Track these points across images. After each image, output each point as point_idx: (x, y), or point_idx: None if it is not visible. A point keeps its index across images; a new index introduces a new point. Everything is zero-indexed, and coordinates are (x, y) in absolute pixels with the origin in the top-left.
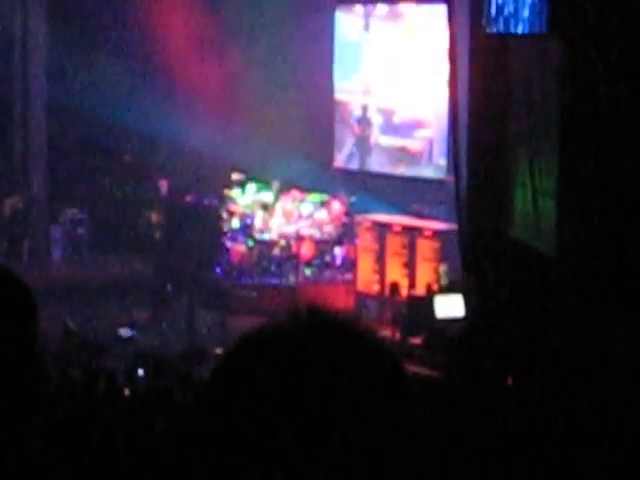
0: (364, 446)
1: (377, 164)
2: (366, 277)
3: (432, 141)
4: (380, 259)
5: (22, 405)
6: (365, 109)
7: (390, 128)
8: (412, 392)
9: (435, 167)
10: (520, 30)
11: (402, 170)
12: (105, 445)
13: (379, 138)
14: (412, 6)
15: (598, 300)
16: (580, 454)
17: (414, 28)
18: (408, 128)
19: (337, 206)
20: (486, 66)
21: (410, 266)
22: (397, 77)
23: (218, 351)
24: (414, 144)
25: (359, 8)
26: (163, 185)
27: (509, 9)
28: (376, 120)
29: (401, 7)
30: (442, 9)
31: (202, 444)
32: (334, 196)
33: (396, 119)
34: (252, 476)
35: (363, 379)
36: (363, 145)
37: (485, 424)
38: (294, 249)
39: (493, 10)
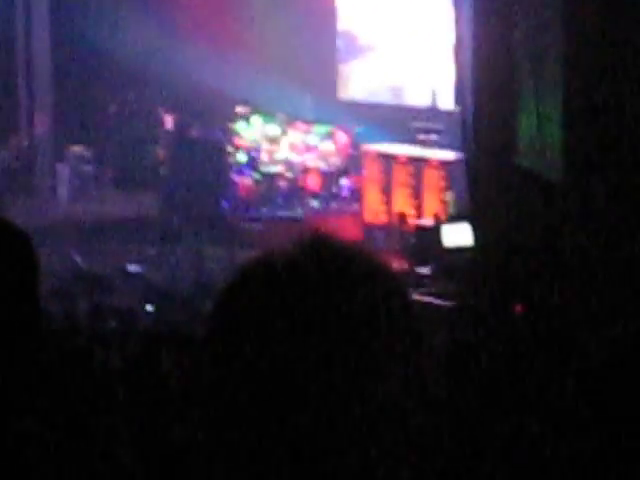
0: (369, 370)
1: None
2: (373, 208)
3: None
4: (387, 189)
5: (23, 353)
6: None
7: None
8: (419, 325)
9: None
10: None
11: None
12: (111, 380)
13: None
14: None
15: (605, 224)
16: (585, 390)
17: None
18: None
19: (343, 137)
20: None
21: (417, 196)
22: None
23: None
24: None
25: None
26: (168, 120)
27: None
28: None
29: None
30: None
31: (208, 377)
32: (339, 127)
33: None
34: (257, 406)
35: (369, 306)
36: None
37: (490, 351)
38: (301, 181)
39: None
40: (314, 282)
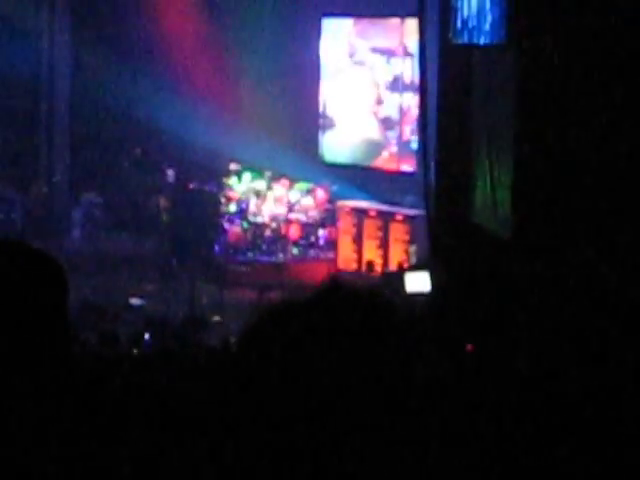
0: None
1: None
2: (346, 256)
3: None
4: (358, 240)
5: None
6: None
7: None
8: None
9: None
10: (482, 42)
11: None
12: (117, 399)
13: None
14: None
15: (547, 278)
16: (532, 426)
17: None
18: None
19: (321, 194)
20: (452, 73)
21: (384, 247)
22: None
23: (215, 318)
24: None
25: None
26: (170, 174)
27: (473, 23)
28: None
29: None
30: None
31: (226, 404)
32: (318, 185)
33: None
34: (262, 437)
35: (391, 349)
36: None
37: (443, 388)
38: (283, 231)
39: (459, 24)
40: (333, 325)
